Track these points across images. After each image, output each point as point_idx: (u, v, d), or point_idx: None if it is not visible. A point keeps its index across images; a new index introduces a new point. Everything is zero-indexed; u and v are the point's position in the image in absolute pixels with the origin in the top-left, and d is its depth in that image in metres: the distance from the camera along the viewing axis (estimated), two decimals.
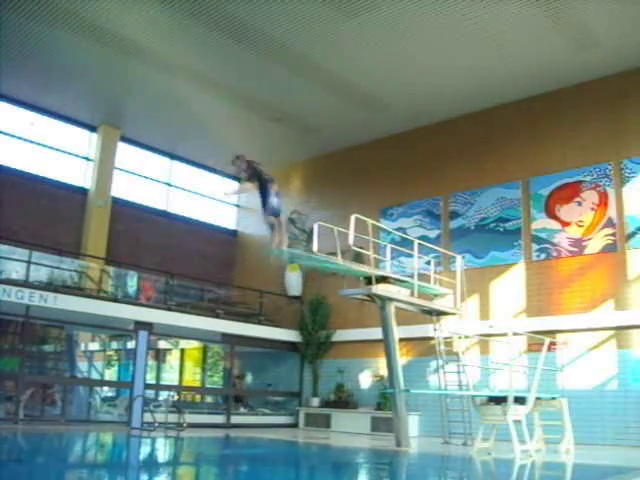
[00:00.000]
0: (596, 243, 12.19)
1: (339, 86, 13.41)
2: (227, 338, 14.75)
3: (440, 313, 11.55)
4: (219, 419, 14.23)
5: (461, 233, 13.98)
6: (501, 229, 13.42)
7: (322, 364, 15.41)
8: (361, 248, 10.23)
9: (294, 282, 16.41)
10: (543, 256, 12.75)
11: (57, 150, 15.29)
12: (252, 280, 16.71)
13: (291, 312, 16.12)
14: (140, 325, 12.94)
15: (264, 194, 9.60)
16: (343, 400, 14.49)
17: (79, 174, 15.64)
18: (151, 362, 16.08)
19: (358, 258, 11.51)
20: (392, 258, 12.11)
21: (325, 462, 9.00)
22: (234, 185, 18.62)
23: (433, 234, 14.30)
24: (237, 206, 18.98)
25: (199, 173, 18.25)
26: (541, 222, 12.91)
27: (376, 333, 11.16)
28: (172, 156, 17.60)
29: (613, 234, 12.01)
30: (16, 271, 12.71)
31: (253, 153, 17.29)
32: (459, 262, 11.84)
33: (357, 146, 16.25)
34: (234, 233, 18.74)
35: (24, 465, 6.67)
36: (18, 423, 11.47)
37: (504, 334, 9.55)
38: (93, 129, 15.85)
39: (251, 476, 6.88)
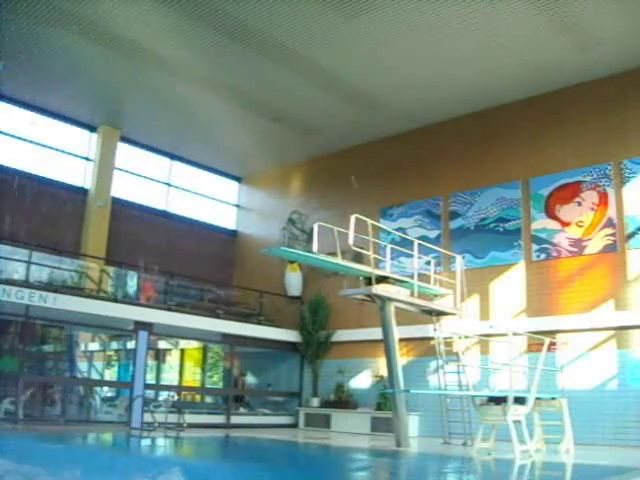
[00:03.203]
0: (596, 243, 12.18)
1: (339, 86, 13.40)
2: (227, 338, 14.75)
3: (440, 313, 11.55)
4: (219, 419, 14.22)
5: (461, 233, 13.98)
6: (501, 229, 13.42)
7: (322, 364, 15.40)
8: (361, 248, 10.22)
9: (294, 282, 16.40)
10: (543, 256, 12.75)
11: (57, 150, 15.29)
12: (252, 280, 16.71)
13: (291, 312, 16.11)
14: (140, 325, 12.94)
15: None
16: (343, 400, 14.49)
17: (79, 174, 15.64)
18: (151, 362, 16.05)
19: (358, 258, 11.52)
20: (392, 258, 12.08)
21: (325, 462, 8.99)
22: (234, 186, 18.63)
23: (433, 234, 14.30)
24: (237, 206, 18.99)
25: (199, 173, 18.25)
26: (541, 222, 12.91)
27: (376, 333, 11.16)
28: (172, 156, 17.61)
29: (613, 234, 12.00)
30: (16, 271, 12.70)
31: (253, 153, 17.51)
32: (459, 262, 11.84)
33: (357, 146, 16.25)
34: (234, 233, 18.74)
35: (23, 465, 6.65)
36: (18, 423, 11.46)
37: (504, 334, 9.56)
38: (93, 129, 15.85)
39: (251, 476, 6.87)
